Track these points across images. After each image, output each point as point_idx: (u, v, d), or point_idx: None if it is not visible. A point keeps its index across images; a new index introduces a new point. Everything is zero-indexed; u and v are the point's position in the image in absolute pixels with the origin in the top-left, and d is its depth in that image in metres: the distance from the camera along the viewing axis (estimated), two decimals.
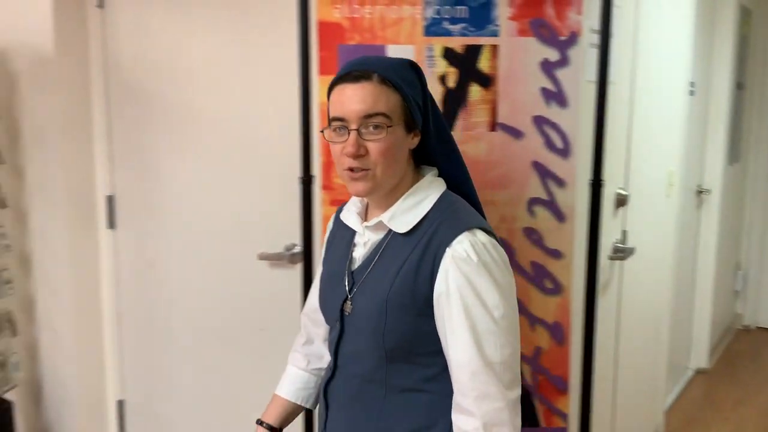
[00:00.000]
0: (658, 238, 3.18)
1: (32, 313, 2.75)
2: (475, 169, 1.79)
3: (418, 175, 1.31)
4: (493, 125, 1.80)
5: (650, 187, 2.99)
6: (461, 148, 1.68)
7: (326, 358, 1.46)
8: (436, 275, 1.19)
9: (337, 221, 1.43)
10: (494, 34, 1.77)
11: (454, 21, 1.77)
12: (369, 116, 1.18)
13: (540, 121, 1.79)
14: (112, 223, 2.65)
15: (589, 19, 1.87)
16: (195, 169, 2.47)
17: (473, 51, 1.78)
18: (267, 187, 2.37)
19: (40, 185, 2.66)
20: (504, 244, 1.80)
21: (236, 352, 2.51)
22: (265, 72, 2.24)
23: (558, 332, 1.85)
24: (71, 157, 2.61)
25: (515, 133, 1.80)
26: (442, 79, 1.79)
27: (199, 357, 2.59)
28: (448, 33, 1.77)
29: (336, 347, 1.33)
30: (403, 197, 1.26)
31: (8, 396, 2.61)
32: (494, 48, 1.78)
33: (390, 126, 1.19)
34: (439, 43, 1.77)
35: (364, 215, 1.35)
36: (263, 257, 2.33)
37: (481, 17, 1.77)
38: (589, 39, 1.93)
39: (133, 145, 2.58)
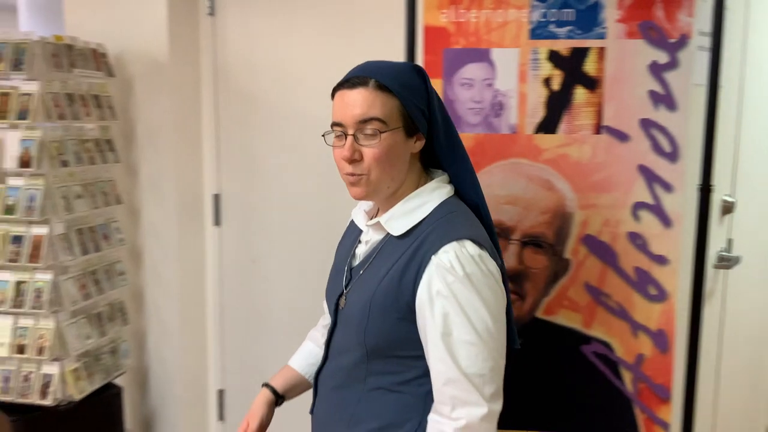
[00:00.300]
0: (766, 249, 3.04)
1: (142, 304, 2.92)
2: (578, 171, 1.79)
3: (426, 179, 1.32)
4: (598, 128, 1.78)
5: (759, 195, 2.87)
6: (564, 150, 1.68)
7: None
8: (419, 282, 1.19)
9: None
10: (601, 37, 1.76)
11: (560, 24, 1.77)
12: (364, 121, 1.20)
13: (647, 124, 1.76)
14: (217, 220, 2.78)
15: (698, 22, 1.83)
16: (298, 170, 2.56)
17: (579, 53, 1.77)
18: None
19: (152, 183, 2.82)
20: (606, 248, 1.79)
21: None
22: None
23: (662, 340, 1.82)
24: (181, 157, 2.75)
25: (621, 136, 1.78)
26: (547, 81, 1.79)
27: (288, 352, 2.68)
28: (554, 36, 1.78)
29: (329, 338, 1.37)
30: (403, 201, 1.27)
31: (118, 381, 2.78)
32: (601, 50, 1.76)
33: (385, 131, 1.20)
34: (544, 46, 1.78)
35: (374, 214, 1.37)
36: None
37: (588, 20, 1.76)
38: (698, 42, 1.89)
39: (239, 146, 2.70)
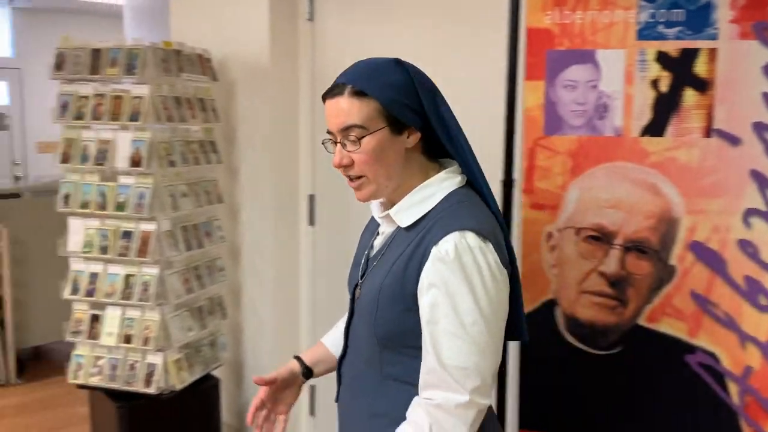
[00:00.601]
0: None
1: (239, 299, 3.02)
2: (686, 176, 1.74)
3: (437, 169, 1.31)
4: (708, 131, 1.73)
5: None
6: (671, 154, 1.63)
7: None
8: (421, 272, 1.19)
9: None
10: (713, 38, 1.71)
11: (669, 24, 1.73)
12: (346, 129, 1.22)
13: (761, 128, 1.70)
14: (312, 220, 2.85)
15: None
16: None
17: (689, 55, 1.72)
18: None
19: (251, 183, 2.92)
20: (714, 255, 1.73)
21: None
22: (468, 75, 2.30)
23: None
24: (279, 159, 2.84)
25: (732, 140, 1.72)
26: (654, 83, 1.75)
27: None
28: (662, 36, 1.73)
29: (347, 328, 1.39)
30: (411, 193, 1.28)
31: (215, 373, 2.89)
32: (712, 51, 1.71)
33: (365, 136, 1.21)
34: (652, 47, 1.74)
35: (388, 206, 1.35)
36: None
37: (699, 20, 1.71)
38: None
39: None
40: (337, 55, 2.70)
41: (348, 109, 1.21)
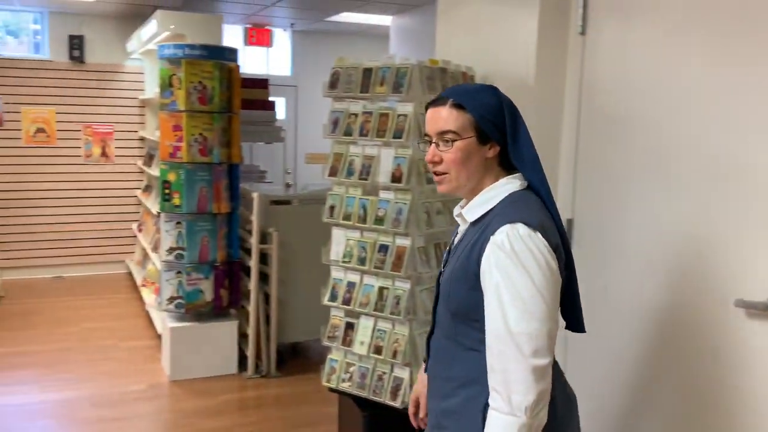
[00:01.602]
0: None
1: None
2: None
3: (506, 178, 1.55)
4: None
5: None
6: None
7: None
8: (481, 257, 1.44)
9: None
10: None
11: None
12: (442, 132, 1.51)
13: None
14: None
15: None
16: (662, 199, 2.32)
17: None
18: (746, 227, 2.10)
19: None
20: None
21: (698, 404, 2.26)
22: (757, 100, 1.99)
23: None
24: None
25: None
26: None
27: (646, 399, 2.44)
28: None
29: (434, 309, 1.67)
30: (480, 194, 1.54)
31: None
32: None
33: (457, 140, 1.50)
34: None
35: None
36: (741, 305, 2.07)
37: None
38: None
39: (598, 170, 2.56)
40: (609, 70, 2.50)
41: (447, 117, 1.50)
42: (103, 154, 6.68)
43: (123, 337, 4.90)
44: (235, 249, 4.27)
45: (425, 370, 1.76)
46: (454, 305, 1.52)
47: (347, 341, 2.75)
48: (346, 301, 2.73)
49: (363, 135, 2.70)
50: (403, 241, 2.61)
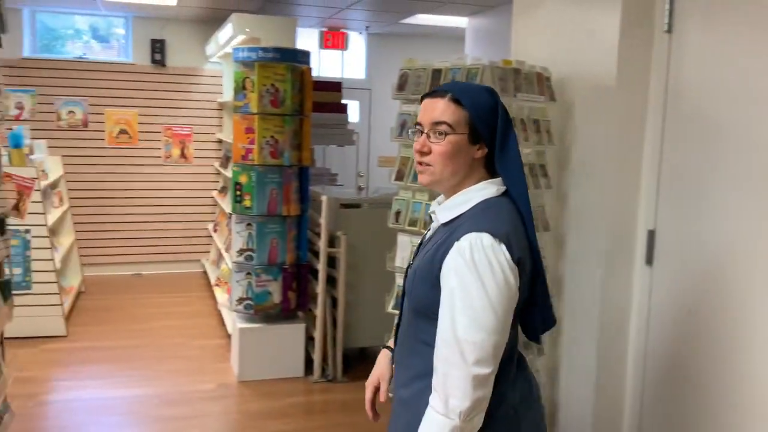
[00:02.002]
0: None
1: (558, 336, 2.81)
2: None
3: (484, 182, 1.54)
4: None
5: None
6: None
7: None
8: (444, 260, 1.45)
9: None
10: None
11: None
12: (437, 123, 1.50)
13: None
14: (650, 259, 2.51)
15: None
16: (757, 214, 2.12)
17: None
18: None
19: (580, 212, 2.69)
20: None
21: None
22: None
23: None
24: (615, 187, 2.56)
25: None
26: None
27: None
28: None
29: (401, 304, 1.69)
30: (456, 195, 1.54)
31: None
32: None
33: (450, 134, 1.49)
34: None
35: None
36: None
37: None
38: None
39: (685, 178, 2.38)
40: (698, 71, 2.32)
41: (444, 109, 1.50)
42: (182, 155, 6.85)
43: (195, 336, 4.98)
44: (304, 251, 4.26)
45: (392, 361, 1.76)
46: (414, 301, 1.55)
47: None
48: None
49: None
50: None
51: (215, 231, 6.50)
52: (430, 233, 1.64)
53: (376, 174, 7.68)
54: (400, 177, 2.70)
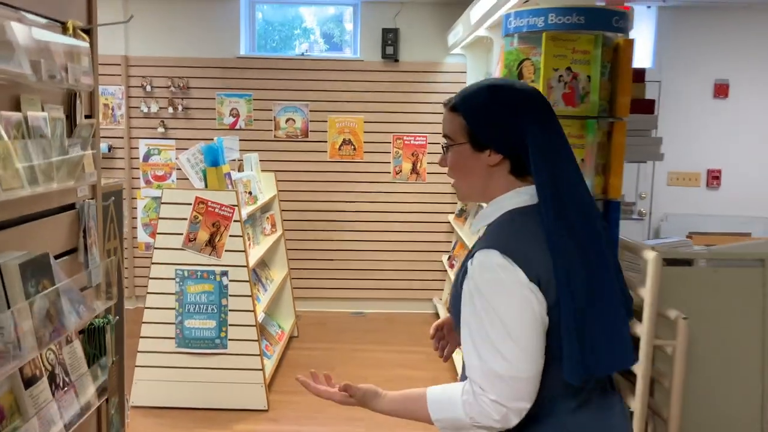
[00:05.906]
0: None
1: None
2: None
3: (514, 191, 1.40)
4: None
5: None
6: None
7: None
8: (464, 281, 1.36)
9: None
10: None
11: None
12: (443, 137, 1.44)
13: None
14: None
15: None
16: None
17: None
18: None
19: None
20: None
21: None
22: None
23: None
24: None
25: None
26: None
27: None
28: None
29: None
30: (487, 206, 1.43)
31: None
32: None
33: (452, 145, 1.40)
34: None
35: None
36: None
37: None
38: None
39: None
40: None
41: (444, 120, 1.43)
42: (414, 170, 5.60)
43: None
44: None
45: None
46: (455, 318, 1.39)
47: None
48: None
49: None
50: None
51: (451, 266, 5.15)
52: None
53: (663, 195, 5.83)
54: None
